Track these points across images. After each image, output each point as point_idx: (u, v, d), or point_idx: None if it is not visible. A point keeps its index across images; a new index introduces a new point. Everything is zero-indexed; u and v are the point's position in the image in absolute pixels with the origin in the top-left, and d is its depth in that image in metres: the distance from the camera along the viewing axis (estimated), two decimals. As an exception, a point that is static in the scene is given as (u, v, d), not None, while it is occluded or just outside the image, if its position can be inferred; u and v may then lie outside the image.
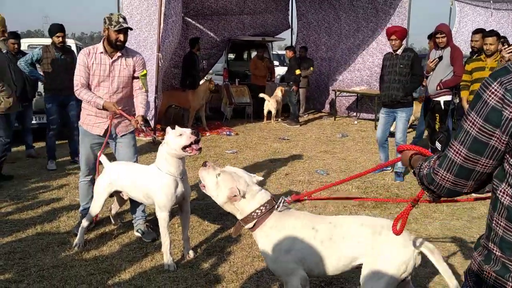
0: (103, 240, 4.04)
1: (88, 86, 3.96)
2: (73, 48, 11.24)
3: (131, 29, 3.95)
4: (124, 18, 3.87)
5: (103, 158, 4.03)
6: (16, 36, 6.66)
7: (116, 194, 4.06)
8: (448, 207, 4.99)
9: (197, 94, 9.51)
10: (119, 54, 3.94)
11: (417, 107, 9.27)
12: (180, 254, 3.78)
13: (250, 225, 2.45)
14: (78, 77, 3.91)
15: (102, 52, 3.90)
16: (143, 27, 9.05)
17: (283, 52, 16.69)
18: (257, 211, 2.41)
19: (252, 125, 10.46)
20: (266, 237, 2.42)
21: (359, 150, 7.90)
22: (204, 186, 2.58)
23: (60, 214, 4.63)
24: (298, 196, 2.50)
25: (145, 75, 4.09)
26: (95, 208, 3.92)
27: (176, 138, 3.40)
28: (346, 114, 11.94)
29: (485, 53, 5.70)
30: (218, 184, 2.49)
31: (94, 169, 4.25)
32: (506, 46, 5.45)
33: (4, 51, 6.10)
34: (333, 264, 2.37)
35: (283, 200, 2.47)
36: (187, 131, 3.42)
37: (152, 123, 8.54)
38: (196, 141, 3.39)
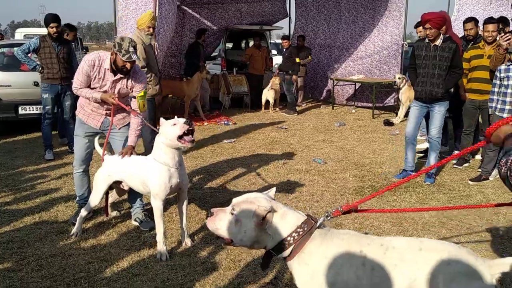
0: (101, 229, 4.05)
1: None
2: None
3: (134, 61, 3.84)
4: (134, 47, 3.76)
5: (101, 151, 4.04)
6: (72, 28, 7.05)
7: (115, 185, 4.07)
8: (445, 194, 5.01)
9: (191, 84, 9.49)
10: (119, 76, 3.91)
11: (410, 92, 9.26)
12: (178, 243, 3.80)
13: (286, 253, 1.98)
14: (79, 82, 3.88)
15: (108, 69, 3.88)
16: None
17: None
18: (293, 234, 1.96)
19: (250, 115, 10.45)
20: (306, 265, 1.96)
21: (357, 139, 7.90)
22: (224, 239, 2.04)
23: (58, 204, 4.64)
24: (348, 206, 2.12)
25: (142, 96, 3.99)
26: (95, 199, 3.93)
27: (170, 127, 3.41)
28: (344, 103, 11.93)
29: (485, 41, 5.68)
30: (238, 221, 1.97)
31: (88, 160, 4.24)
32: (503, 34, 5.43)
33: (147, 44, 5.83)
34: None
35: (326, 216, 2.07)
36: (181, 120, 3.42)
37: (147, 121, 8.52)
38: (190, 131, 3.39)
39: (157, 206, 3.55)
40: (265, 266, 2.09)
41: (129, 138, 4.02)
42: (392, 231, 4.06)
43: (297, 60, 10.32)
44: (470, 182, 5.43)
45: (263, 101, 10.82)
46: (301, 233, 1.95)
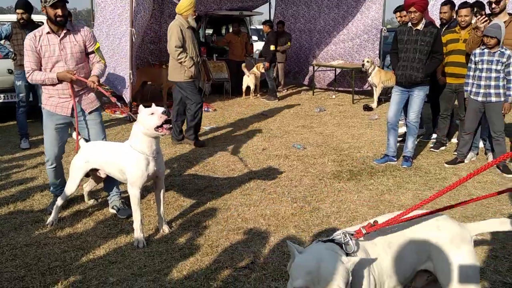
0: (78, 218, 4.01)
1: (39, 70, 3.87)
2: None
3: (67, 1, 3.80)
4: None
5: (80, 139, 3.98)
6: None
7: (92, 172, 4.02)
8: (421, 178, 5.08)
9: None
10: (65, 31, 3.84)
11: (384, 74, 9.32)
12: (155, 230, 3.78)
13: None
14: (28, 63, 3.80)
15: (48, 32, 3.80)
16: (118, 2, 8.83)
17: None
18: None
19: (230, 101, 10.41)
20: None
21: (336, 124, 7.94)
22: None
23: (34, 193, 4.58)
24: (371, 227, 1.96)
25: (98, 48, 4.02)
26: (71, 187, 3.88)
27: (148, 117, 3.37)
28: (325, 88, 11.95)
29: (459, 25, 5.73)
30: None
31: (61, 153, 4.14)
32: (479, 16, 5.48)
33: (186, 27, 6.10)
34: None
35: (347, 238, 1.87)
36: (159, 110, 3.38)
37: (126, 99, 8.43)
38: (168, 121, 3.36)
39: (134, 194, 3.53)
40: None
41: (92, 72, 4.00)
42: (369, 214, 4.10)
43: (272, 47, 10.27)
44: (446, 165, 5.51)
45: (244, 87, 10.78)
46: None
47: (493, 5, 5.44)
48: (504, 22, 5.22)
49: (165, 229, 3.75)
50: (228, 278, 3.05)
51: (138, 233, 3.54)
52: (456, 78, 5.78)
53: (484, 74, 5.10)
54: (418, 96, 5.32)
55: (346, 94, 11.11)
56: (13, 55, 6.18)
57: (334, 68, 11.31)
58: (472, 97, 5.26)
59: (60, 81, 3.84)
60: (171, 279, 3.04)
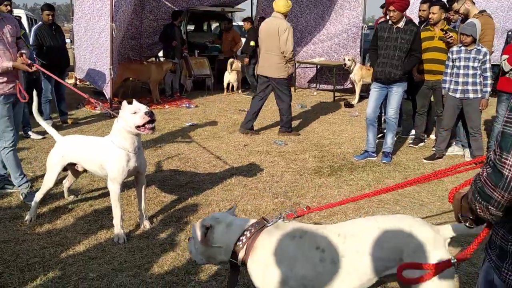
0: (57, 214, 3.97)
1: None
2: (24, 19, 10.79)
3: None
4: None
5: (53, 132, 3.93)
6: (51, 8, 7.15)
7: (70, 167, 3.98)
8: (400, 173, 5.17)
9: (160, 67, 9.39)
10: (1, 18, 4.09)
11: (366, 71, 9.39)
12: (136, 225, 3.77)
13: (241, 254, 2.02)
14: None
15: None
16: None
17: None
18: (241, 237, 2.02)
19: (212, 97, 10.39)
20: (258, 261, 1.98)
21: (317, 120, 8.00)
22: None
23: (12, 190, 4.51)
24: (302, 211, 2.12)
25: (24, 34, 4.40)
26: (49, 182, 3.83)
27: (131, 115, 3.34)
28: (306, 86, 12.01)
29: (429, 22, 5.88)
30: (191, 241, 2.22)
31: (17, 132, 4.30)
32: (452, 12, 5.71)
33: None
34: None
35: (279, 217, 2.08)
36: (142, 109, 3.35)
37: (107, 95, 8.35)
38: (150, 121, 3.35)
39: (114, 190, 3.51)
40: (232, 285, 2.13)
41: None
42: (348, 208, 4.16)
43: (251, 43, 10.29)
44: (425, 161, 5.60)
45: (225, 83, 10.79)
46: (249, 234, 2.02)
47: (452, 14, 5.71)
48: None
49: (146, 224, 3.74)
50: (209, 272, 3.06)
51: (118, 229, 3.52)
52: (433, 75, 5.88)
53: (461, 71, 5.21)
54: (397, 92, 5.40)
55: (327, 92, 11.18)
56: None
57: (315, 66, 11.37)
58: (450, 93, 5.37)
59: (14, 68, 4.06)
60: (151, 274, 3.04)
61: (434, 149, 5.82)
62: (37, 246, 3.39)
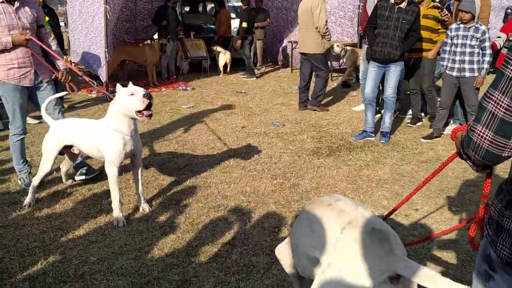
0: (56, 199, 3.97)
1: None
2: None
3: None
4: None
5: (46, 117, 3.89)
6: None
7: (66, 150, 3.96)
8: (399, 152, 5.16)
9: (153, 49, 9.28)
10: (18, 3, 3.86)
11: (354, 56, 9.26)
12: (135, 209, 3.77)
13: None
14: None
15: (3, 2, 3.78)
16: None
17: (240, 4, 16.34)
18: None
19: (209, 80, 10.32)
20: None
21: (315, 101, 7.96)
22: None
23: (9, 175, 4.49)
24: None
25: (47, 21, 4.15)
26: (45, 166, 3.81)
27: (128, 97, 3.29)
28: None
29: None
30: None
31: (25, 124, 4.18)
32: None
33: None
34: None
35: None
36: (139, 91, 3.30)
37: (102, 78, 8.27)
38: (148, 106, 3.30)
39: (112, 173, 3.49)
40: None
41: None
42: (348, 189, 4.16)
43: (244, 24, 10.16)
44: (423, 140, 5.60)
45: (221, 65, 10.72)
46: None
47: None
48: None
49: (145, 207, 3.74)
50: (209, 254, 3.07)
51: (117, 213, 3.52)
52: (418, 53, 5.84)
53: (459, 49, 5.17)
54: (395, 71, 5.37)
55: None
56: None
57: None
58: (447, 72, 5.34)
59: (14, 46, 3.82)
60: (152, 256, 3.05)
61: (432, 128, 5.81)
62: (37, 231, 3.39)
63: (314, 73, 7.24)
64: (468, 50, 5.12)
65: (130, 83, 3.46)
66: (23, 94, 4.00)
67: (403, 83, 6.26)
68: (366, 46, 6.09)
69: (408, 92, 6.56)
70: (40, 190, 4.06)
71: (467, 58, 5.15)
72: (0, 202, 3.89)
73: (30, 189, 3.85)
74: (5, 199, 3.95)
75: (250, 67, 10.51)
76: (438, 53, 6.01)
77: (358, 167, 4.72)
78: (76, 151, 3.91)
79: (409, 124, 6.25)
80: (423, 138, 5.65)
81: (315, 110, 7.16)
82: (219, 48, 10.72)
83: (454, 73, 5.25)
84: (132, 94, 3.29)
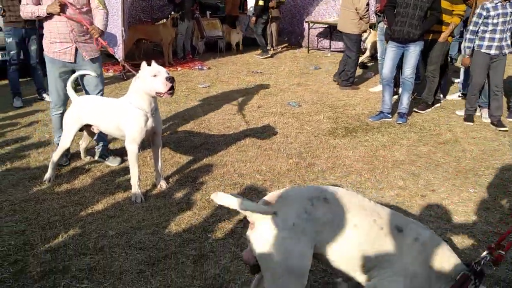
0: (75, 174, 4.03)
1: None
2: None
3: None
4: None
5: (70, 92, 3.93)
6: None
7: (85, 128, 4.01)
8: (416, 134, 5.12)
9: (166, 27, 9.24)
10: None
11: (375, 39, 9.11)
12: (153, 185, 3.82)
13: None
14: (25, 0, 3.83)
15: None
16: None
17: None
18: None
19: (224, 59, 10.28)
20: None
21: (332, 82, 7.89)
22: None
23: (30, 150, 4.57)
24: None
25: None
26: (65, 142, 3.87)
27: (150, 78, 3.33)
28: (319, 47, 11.80)
29: None
30: None
31: (66, 99, 4.15)
32: None
33: None
34: None
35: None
36: (162, 73, 3.33)
37: (119, 58, 8.28)
38: (170, 88, 3.33)
39: (132, 150, 3.54)
40: None
41: (95, 22, 4.00)
42: (364, 169, 4.15)
43: (260, 2, 10.06)
44: (466, 123, 5.41)
45: (233, 43, 10.76)
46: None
47: None
48: None
49: (163, 185, 3.78)
50: (225, 230, 3.11)
51: (136, 189, 3.57)
52: (433, 34, 5.71)
53: (499, 28, 5.08)
54: (414, 51, 5.29)
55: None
56: (1, 11, 6.02)
57: (329, 26, 11.14)
58: (483, 51, 5.19)
59: (49, 14, 3.81)
60: (169, 232, 3.10)
61: (458, 112, 5.64)
62: (57, 205, 3.46)
63: (345, 53, 7.43)
64: (508, 26, 5.10)
65: (153, 62, 3.47)
66: (62, 70, 4.00)
67: (421, 64, 6.15)
68: (385, 26, 5.99)
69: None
70: (59, 166, 4.12)
71: (507, 35, 5.12)
72: (21, 177, 3.97)
73: (50, 165, 3.92)
74: (26, 174, 4.02)
75: (262, 44, 10.44)
76: (452, 35, 5.89)
77: (374, 147, 4.70)
78: (95, 131, 3.96)
79: (416, 110, 5.96)
80: (465, 120, 5.48)
81: (345, 89, 7.29)
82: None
83: (492, 51, 5.15)
84: (155, 75, 3.31)
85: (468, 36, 5.31)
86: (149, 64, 3.42)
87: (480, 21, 5.17)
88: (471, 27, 5.25)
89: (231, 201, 1.87)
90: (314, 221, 1.86)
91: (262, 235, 1.87)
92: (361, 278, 1.93)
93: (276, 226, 1.85)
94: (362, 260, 1.88)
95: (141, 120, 3.47)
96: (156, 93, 3.36)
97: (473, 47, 5.29)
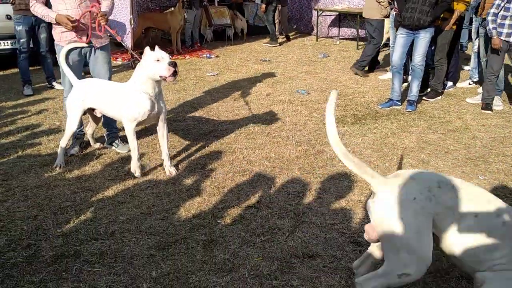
0: (85, 161, 4.07)
1: (48, 3, 3.84)
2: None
3: None
4: None
5: (70, 75, 3.94)
6: None
7: (89, 112, 4.04)
8: (425, 121, 5.09)
9: (175, 15, 9.22)
10: None
11: (387, 26, 9.02)
12: (163, 172, 3.84)
13: None
14: None
15: None
16: None
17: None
18: None
19: (233, 47, 10.26)
20: None
21: (341, 69, 7.86)
22: None
23: (40, 138, 4.62)
24: None
25: None
26: (71, 125, 3.90)
27: (153, 63, 3.38)
28: (328, 34, 11.72)
29: None
30: None
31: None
32: None
33: None
34: None
35: None
36: (165, 57, 3.39)
37: (127, 44, 8.30)
38: (173, 73, 3.38)
39: (129, 128, 3.63)
40: None
41: (102, 8, 3.96)
42: (373, 156, 4.15)
43: None
44: (484, 111, 5.36)
45: (239, 31, 10.80)
46: None
47: None
48: None
49: (172, 171, 3.80)
50: (235, 216, 3.13)
51: (135, 162, 3.71)
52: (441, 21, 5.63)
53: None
54: (424, 38, 5.23)
55: (350, 41, 10.92)
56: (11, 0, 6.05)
57: (338, 13, 11.05)
58: (502, 38, 5.09)
59: (57, 23, 3.84)
60: (179, 217, 3.12)
61: (484, 99, 5.51)
62: (68, 191, 3.50)
63: (367, 36, 7.53)
64: None
65: (157, 47, 3.49)
66: (75, 58, 4.01)
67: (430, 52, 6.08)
68: (395, 12, 5.93)
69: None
70: (72, 157, 4.15)
71: None
72: (32, 163, 4.01)
73: (59, 151, 3.95)
74: (37, 161, 4.07)
75: (273, 32, 10.38)
76: (457, 24, 5.80)
77: (383, 135, 4.68)
78: (98, 115, 3.99)
79: (425, 98, 5.91)
80: (483, 109, 5.40)
81: (356, 74, 7.33)
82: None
83: None
84: (158, 60, 3.35)
85: (490, 18, 5.16)
86: (152, 50, 3.45)
87: (502, 3, 5.06)
88: (492, 10, 5.13)
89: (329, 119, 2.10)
90: (437, 202, 1.89)
91: (381, 203, 1.97)
92: (472, 267, 1.95)
93: (395, 196, 1.92)
94: (477, 251, 1.89)
95: (145, 103, 3.53)
96: (160, 76, 3.40)
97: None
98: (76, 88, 3.88)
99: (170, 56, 3.47)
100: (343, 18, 11.24)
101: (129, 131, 3.64)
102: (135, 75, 3.54)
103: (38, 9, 3.85)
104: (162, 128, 3.78)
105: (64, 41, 3.94)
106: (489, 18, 5.18)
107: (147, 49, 3.47)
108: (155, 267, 2.60)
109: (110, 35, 4.11)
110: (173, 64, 3.36)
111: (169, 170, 3.81)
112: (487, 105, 5.42)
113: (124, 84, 3.68)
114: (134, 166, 3.72)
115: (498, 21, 5.10)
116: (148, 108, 3.54)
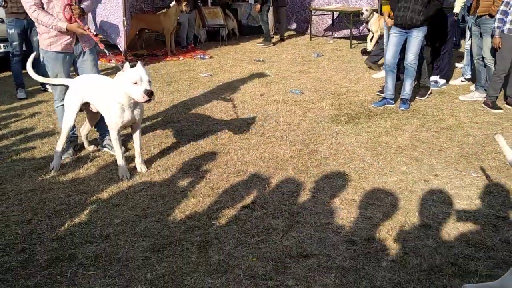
0: (79, 164, 4.06)
1: (41, 5, 3.80)
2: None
3: None
4: None
5: (63, 81, 3.97)
6: None
7: (86, 108, 4.05)
8: (419, 119, 5.11)
9: (168, 16, 9.21)
10: None
11: (380, 22, 9.03)
12: (157, 174, 3.84)
13: None
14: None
15: None
16: None
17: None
18: None
19: (226, 48, 10.26)
20: None
21: (334, 69, 7.88)
22: None
23: (34, 141, 4.61)
24: None
25: None
26: (68, 121, 3.90)
27: (131, 85, 3.36)
28: (322, 34, 11.75)
29: None
30: None
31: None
32: None
33: None
34: None
35: None
36: (144, 81, 3.34)
37: (121, 48, 8.29)
38: (147, 101, 3.39)
39: (113, 135, 3.72)
40: None
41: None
42: (366, 155, 4.16)
43: None
44: (491, 110, 5.36)
45: (230, 29, 10.89)
46: None
47: None
48: None
49: (143, 168, 3.89)
50: (229, 217, 3.14)
51: (121, 168, 3.78)
52: None
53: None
54: (417, 37, 5.25)
55: (343, 40, 10.94)
56: (3, 2, 6.03)
57: (331, 13, 11.07)
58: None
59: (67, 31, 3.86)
60: (174, 219, 3.13)
61: (489, 97, 5.44)
62: (63, 194, 3.49)
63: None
64: None
65: (139, 62, 3.48)
66: (64, 63, 4.01)
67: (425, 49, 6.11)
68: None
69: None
70: (63, 156, 4.15)
71: None
72: (26, 167, 4.01)
73: (55, 153, 3.95)
74: (31, 164, 4.06)
75: (267, 33, 10.39)
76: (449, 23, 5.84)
77: (377, 133, 4.70)
78: (94, 110, 3.99)
79: (417, 97, 5.90)
80: (489, 107, 5.39)
81: (370, 67, 7.60)
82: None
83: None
84: (135, 83, 3.35)
85: (498, 16, 5.17)
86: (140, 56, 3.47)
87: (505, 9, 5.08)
88: (502, 7, 5.14)
89: (506, 150, 2.19)
90: None
91: None
92: None
93: None
94: None
95: (119, 113, 3.61)
96: (133, 98, 3.44)
97: (502, 29, 5.15)
98: (72, 86, 3.90)
99: (149, 78, 3.40)
100: (336, 17, 11.26)
101: (112, 138, 3.75)
102: (114, 84, 3.56)
103: (43, 18, 3.76)
104: (136, 127, 3.86)
105: (52, 46, 3.92)
106: (497, 16, 5.16)
107: (126, 65, 3.43)
108: (150, 269, 2.60)
109: (97, 36, 4.13)
110: (149, 93, 3.34)
111: (140, 166, 3.90)
112: (493, 103, 5.38)
113: (113, 83, 3.67)
114: (121, 171, 3.76)
115: (508, 18, 5.09)
116: (123, 118, 3.63)
